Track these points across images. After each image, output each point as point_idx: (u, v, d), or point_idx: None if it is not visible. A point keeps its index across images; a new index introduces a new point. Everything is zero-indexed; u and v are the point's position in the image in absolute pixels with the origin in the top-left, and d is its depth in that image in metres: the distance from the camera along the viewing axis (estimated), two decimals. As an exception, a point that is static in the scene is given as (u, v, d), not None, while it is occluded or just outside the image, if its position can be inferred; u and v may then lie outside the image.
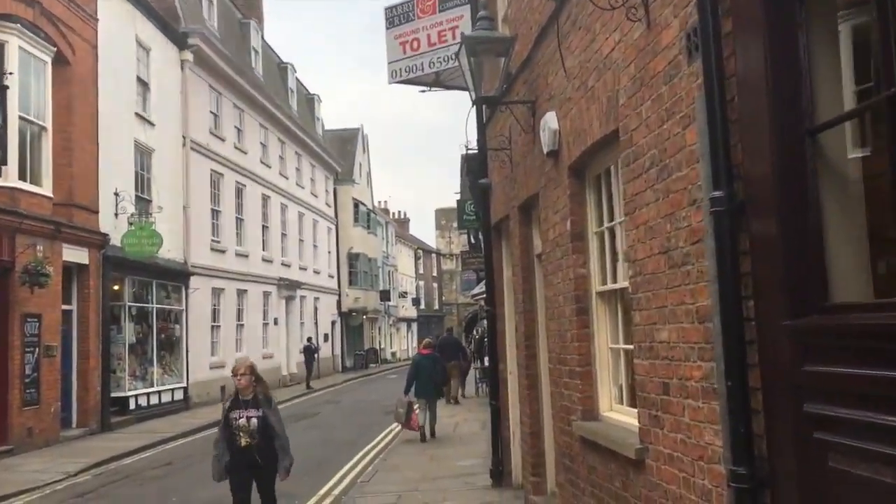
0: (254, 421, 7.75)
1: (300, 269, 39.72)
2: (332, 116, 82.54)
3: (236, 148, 31.25)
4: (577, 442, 6.41)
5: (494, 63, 8.19)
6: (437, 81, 12.95)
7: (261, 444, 7.75)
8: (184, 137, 26.04)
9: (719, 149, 3.62)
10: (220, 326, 29.12)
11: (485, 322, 21.69)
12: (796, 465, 3.14)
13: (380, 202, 68.71)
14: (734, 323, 3.55)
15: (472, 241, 24.99)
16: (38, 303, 16.87)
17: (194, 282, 26.20)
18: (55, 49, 18.08)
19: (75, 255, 18.80)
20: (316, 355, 36.59)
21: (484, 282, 14.84)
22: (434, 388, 17.40)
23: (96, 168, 19.91)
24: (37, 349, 16.91)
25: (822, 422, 2.94)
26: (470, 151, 12.05)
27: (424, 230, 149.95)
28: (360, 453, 15.73)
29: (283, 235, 37.49)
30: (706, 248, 3.79)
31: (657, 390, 4.61)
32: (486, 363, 19.41)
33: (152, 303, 23.59)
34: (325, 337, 44.17)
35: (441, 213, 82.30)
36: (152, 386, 23.24)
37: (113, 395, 20.58)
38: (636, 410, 5.15)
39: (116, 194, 20.96)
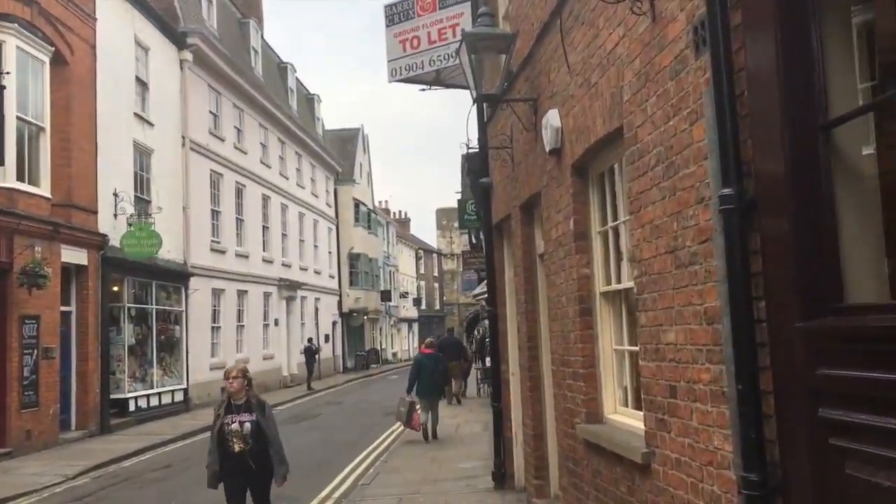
0: (247, 425, 7.58)
1: (301, 269, 39.62)
2: (332, 116, 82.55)
3: (236, 148, 31.16)
4: (581, 445, 6.30)
5: (495, 61, 8.07)
6: (438, 80, 12.84)
7: (255, 449, 7.58)
8: (183, 137, 25.95)
9: (728, 145, 3.51)
10: (220, 327, 29.02)
11: (486, 322, 21.62)
12: (811, 472, 3.03)
13: (380, 202, 68.65)
14: (745, 325, 3.44)
15: (474, 240, 24.85)
16: (36, 304, 16.77)
17: (194, 283, 26.11)
18: (53, 49, 17.99)
19: (74, 255, 18.70)
20: (317, 356, 36.47)
21: (485, 282, 14.76)
22: (436, 388, 17.36)
23: (95, 168, 19.82)
24: (35, 351, 16.81)
25: (838, 427, 2.83)
26: (471, 150, 11.92)
27: (425, 230, 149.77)
28: (361, 455, 15.64)
29: (284, 236, 37.40)
30: (715, 247, 3.68)
31: (664, 393, 4.50)
32: (488, 363, 19.33)
33: (152, 304, 23.50)
34: (326, 338, 44.07)
35: (442, 213, 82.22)
36: (152, 387, 23.15)
37: (112, 396, 20.49)
38: (641, 413, 5.04)
39: (115, 195, 20.87)
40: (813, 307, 2.99)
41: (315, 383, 34.86)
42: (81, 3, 19.48)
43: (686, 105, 4.07)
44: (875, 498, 2.63)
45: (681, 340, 4.24)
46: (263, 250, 34.18)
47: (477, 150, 11.35)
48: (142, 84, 23.25)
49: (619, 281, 5.87)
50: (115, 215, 20.82)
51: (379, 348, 58.32)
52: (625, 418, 5.74)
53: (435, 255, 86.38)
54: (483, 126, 10.99)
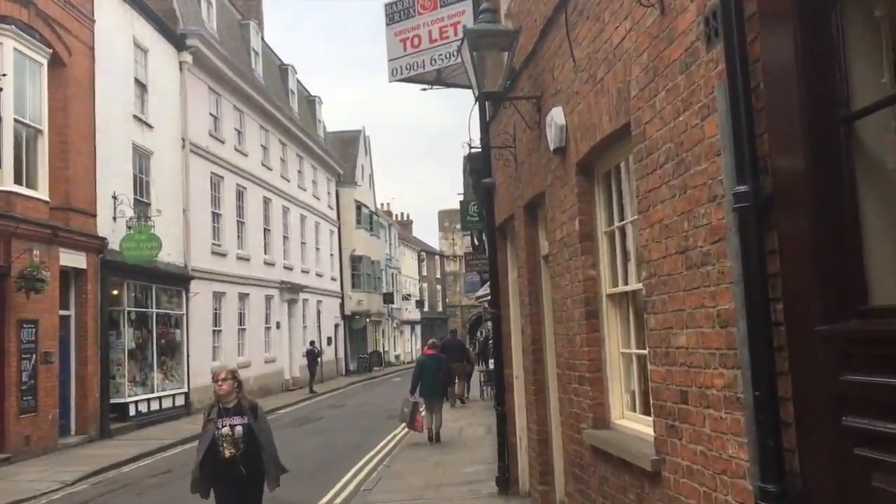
0: (238, 429, 7.26)
1: (302, 272, 39.48)
2: (333, 118, 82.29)
3: (237, 150, 31.04)
4: (588, 451, 6.14)
5: (497, 58, 7.91)
6: (439, 79, 12.69)
7: (245, 454, 7.26)
8: (183, 140, 25.83)
9: (743, 140, 3.35)
10: (221, 331, 28.87)
11: (489, 324, 21.48)
12: (833, 483, 2.87)
13: (382, 204, 68.52)
14: (761, 328, 3.28)
15: (476, 242, 24.73)
16: (34, 308, 16.63)
17: (195, 286, 25.97)
18: (51, 51, 17.87)
19: (73, 259, 18.57)
20: (319, 359, 36.32)
21: (488, 284, 14.61)
22: (439, 389, 17.33)
23: (94, 171, 19.70)
24: (34, 355, 16.66)
25: (864, 437, 2.66)
26: (473, 150, 11.77)
27: (427, 232, 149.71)
28: (364, 459, 15.51)
29: (285, 238, 37.27)
30: (729, 247, 3.52)
31: (674, 399, 4.34)
32: (491, 366, 19.20)
33: (152, 307, 23.36)
34: (329, 340, 43.94)
35: (444, 215, 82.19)
36: (153, 392, 23.01)
37: (112, 401, 20.37)
38: (650, 419, 4.89)
39: (114, 198, 20.73)
40: (835, 309, 2.83)
41: (317, 386, 34.74)
42: (79, 4, 19.36)
43: (697, 99, 3.92)
44: (906, 513, 2.47)
45: (692, 344, 4.08)
46: (265, 253, 34.06)
47: (479, 149, 11.19)
48: (141, 86, 23.13)
49: (626, 283, 5.71)
50: (115, 218, 20.68)
51: (381, 351, 58.18)
52: (633, 424, 5.59)
53: (437, 257, 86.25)
54: (485, 125, 10.84)
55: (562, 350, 7.05)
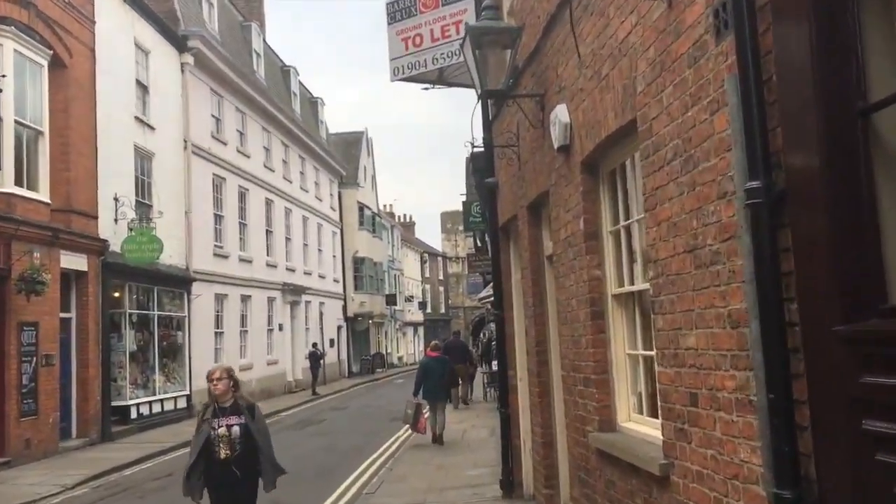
0: (235, 429, 7.10)
1: (305, 273, 39.39)
2: (335, 120, 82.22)
3: (239, 152, 30.96)
4: (594, 454, 6.03)
5: (500, 57, 7.80)
6: (441, 78, 12.59)
7: (241, 455, 7.09)
8: (185, 141, 25.75)
9: (755, 134, 3.25)
10: (223, 333, 28.77)
11: (492, 325, 21.36)
12: (853, 490, 2.76)
13: (385, 206, 68.47)
14: (775, 328, 3.18)
15: (479, 243, 24.66)
16: (35, 311, 16.53)
17: (196, 288, 25.88)
18: (51, 52, 17.79)
19: (74, 261, 18.48)
20: (321, 361, 36.22)
21: (491, 285, 14.50)
22: (442, 391, 17.31)
23: (95, 173, 19.60)
24: (34, 358, 16.56)
25: (886, 442, 2.55)
26: (476, 150, 11.66)
27: (430, 234, 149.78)
28: (367, 461, 15.40)
29: (288, 240, 37.18)
30: (741, 245, 3.41)
31: (683, 401, 4.23)
32: (495, 367, 19.11)
33: (154, 309, 23.26)
34: (331, 342, 43.85)
35: (447, 217, 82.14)
36: (154, 394, 22.90)
37: (114, 404, 20.27)
38: (658, 422, 4.79)
39: (116, 199, 20.66)
40: (854, 309, 2.72)
41: (320, 388, 34.65)
42: (80, 5, 19.27)
43: (706, 94, 3.82)
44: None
45: (702, 345, 3.98)
46: (267, 255, 33.97)
47: (482, 149, 11.09)
48: (142, 87, 23.05)
49: (632, 283, 5.61)
50: (116, 220, 20.60)
51: (384, 352, 58.08)
52: (640, 427, 5.48)
53: (440, 259, 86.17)
54: (488, 124, 10.74)
55: (566, 351, 6.94)
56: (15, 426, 15.84)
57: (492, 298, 13.40)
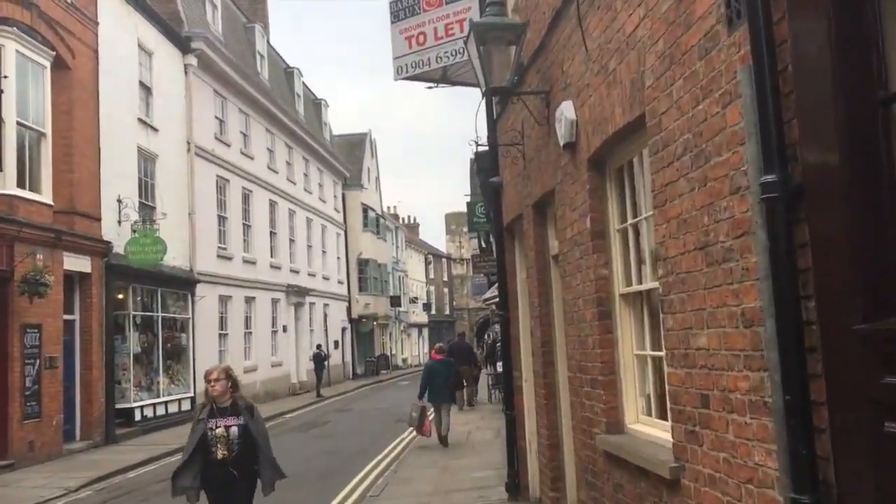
0: (233, 430, 6.97)
1: (309, 275, 39.32)
2: (339, 121, 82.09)
3: (242, 153, 30.90)
4: (601, 457, 5.92)
5: (505, 53, 7.70)
6: (445, 77, 12.52)
7: (238, 456, 6.97)
8: (188, 143, 25.69)
9: (770, 127, 3.14)
10: (227, 334, 28.70)
11: (497, 326, 21.27)
12: (875, 495, 2.65)
13: (389, 207, 68.39)
14: (791, 327, 3.07)
15: (483, 244, 24.57)
16: (38, 313, 16.46)
17: (200, 289, 25.81)
18: (54, 53, 17.72)
19: (77, 263, 18.41)
20: (326, 363, 36.14)
21: (496, 286, 14.40)
22: (447, 394, 17.24)
23: (98, 174, 19.54)
24: (38, 360, 16.50)
25: (910, 445, 2.45)
26: (480, 149, 11.56)
27: (434, 235, 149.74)
28: (371, 464, 15.29)
29: (292, 241, 37.12)
30: (755, 241, 3.30)
31: (694, 403, 4.12)
32: (499, 368, 19.00)
33: (157, 311, 23.19)
34: (336, 344, 43.76)
35: (451, 218, 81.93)
36: (158, 396, 22.83)
37: (117, 406, 20.21)
38: (668, 423, 4.68)
39: (119, 201, 20.59)
40: (876, 307, 2.61)
41: (324, 390, 34.57)
42: (83, 6, 19.21)
43: (718, 86, 3.71)
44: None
45: (714, 345, 3.87)
46: (271, 256, 33.90)
47: (486, 148, 10.98)
48: (145, 89, 22.98)
49: (640, 282, 5.50)
50: (119, 222, 20.54)
51: (389, 354, 57.97)
52: (649, 429, 5.37)
53: (444, 260, 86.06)
54: (492, 122, 10.63)
55: (573, 352, 6.83)
56: (18, 429, 15.77)
57: (496, 300, 13.30)
